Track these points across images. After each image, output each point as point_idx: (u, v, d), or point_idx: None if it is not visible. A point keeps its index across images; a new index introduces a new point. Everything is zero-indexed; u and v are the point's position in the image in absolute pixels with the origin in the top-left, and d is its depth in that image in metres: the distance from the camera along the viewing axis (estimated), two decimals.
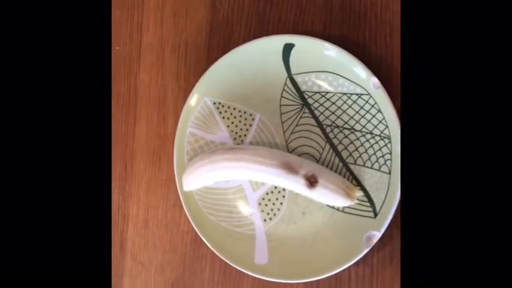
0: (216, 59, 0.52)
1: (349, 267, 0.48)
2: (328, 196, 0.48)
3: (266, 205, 0.52)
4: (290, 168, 0.48)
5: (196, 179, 0.51)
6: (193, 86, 0.52)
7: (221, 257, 0.51)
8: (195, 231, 0.52)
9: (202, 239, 0.51)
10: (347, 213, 0.50)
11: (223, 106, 0.53)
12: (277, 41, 0.50)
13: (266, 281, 0.50)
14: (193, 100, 0.52)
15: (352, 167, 0.50)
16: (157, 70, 0.55)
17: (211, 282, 0.54)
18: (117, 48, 0.56)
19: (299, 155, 0.51)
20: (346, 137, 0.50)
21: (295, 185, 0.49)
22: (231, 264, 0.51)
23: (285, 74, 0.51)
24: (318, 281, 0.50)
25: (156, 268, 0.55)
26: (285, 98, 0.52)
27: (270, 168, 0.48)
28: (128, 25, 0.56)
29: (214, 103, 0.53)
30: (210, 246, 0.51)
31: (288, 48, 0.50)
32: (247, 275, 0.51)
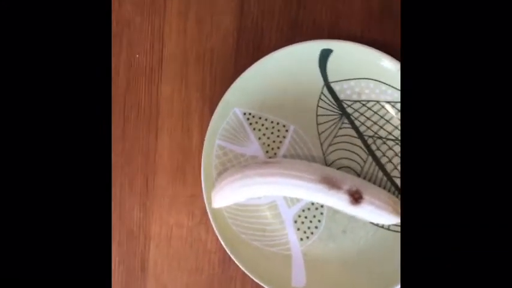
0: (244, 67, 0.48)
1: None
2: (374, 213, 0.45)
3: (302, 223, 0.48)
4: (332, 184, 0.45)
5: (227, 195, 0.48)
6: (219, 96, 0.49)
7: (255, 279, 0.47)
8: (223, 250, 0.49)
9: (234, 259, 0.48)
10: (393, 231, 0.46)
11: (253, 117, 0.49)
12: (313, 47, 0.47)
13: None
14: (221, 111, 0.49)
15: (398, 181, 0.47)
16: (181, 80, 0.52)
17: None
18: (137, 56, 0.53)
19: (338, 169, 0.48)
20: (390, 148, 0.47)
21: (337, 201, 0.45)
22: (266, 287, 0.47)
23: (322, 82, 0.48)
24: None
25: None
26: (321, 107, 0.48)
27: (309, 184, 0.45)
28: (148, 33, 0.53)
29: (244, 114, 0.49)
30: (242, 268, 0.47)
31: (325, 54, 0.47)
32: None
